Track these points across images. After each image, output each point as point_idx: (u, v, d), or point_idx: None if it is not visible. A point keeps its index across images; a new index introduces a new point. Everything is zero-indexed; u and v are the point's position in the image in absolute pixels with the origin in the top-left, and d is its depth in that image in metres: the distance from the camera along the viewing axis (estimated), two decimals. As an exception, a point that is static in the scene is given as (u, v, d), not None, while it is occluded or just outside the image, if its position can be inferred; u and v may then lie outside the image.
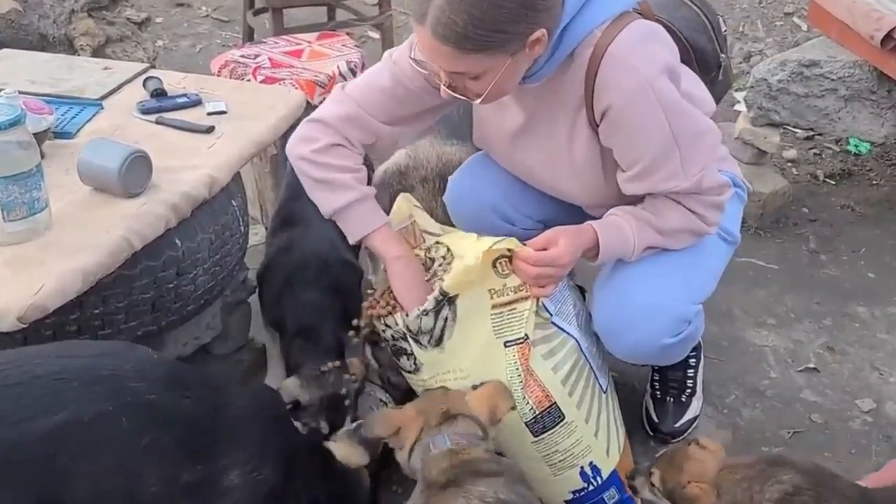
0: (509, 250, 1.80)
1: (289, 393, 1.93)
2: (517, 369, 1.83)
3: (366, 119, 1.90)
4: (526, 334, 1.84)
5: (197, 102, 2.31)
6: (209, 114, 2.26)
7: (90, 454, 1.46)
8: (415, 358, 1.89)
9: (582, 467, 1.94)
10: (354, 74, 3.14)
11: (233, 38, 4.86)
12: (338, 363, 2.05)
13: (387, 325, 1.92)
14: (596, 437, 1.96)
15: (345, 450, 1.74)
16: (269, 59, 3.13)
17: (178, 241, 1.94)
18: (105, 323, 1.89)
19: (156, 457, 1.52)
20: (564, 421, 1.88)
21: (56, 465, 1.42)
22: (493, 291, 1.84)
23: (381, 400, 2.22)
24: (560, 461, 1.92)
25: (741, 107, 3.44)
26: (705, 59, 2.05)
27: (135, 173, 1.91)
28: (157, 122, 2.22)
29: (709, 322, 2.70)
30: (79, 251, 1.73)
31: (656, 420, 2.32)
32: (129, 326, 1.92)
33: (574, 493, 1.97)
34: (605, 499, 2.00)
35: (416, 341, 1.86)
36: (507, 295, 1.83)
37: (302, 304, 2.20)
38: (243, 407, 1.71)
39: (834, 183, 3.65)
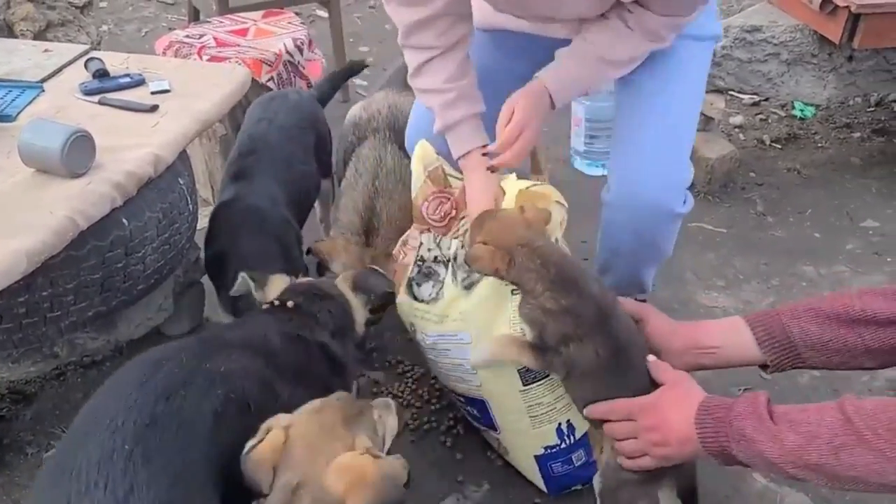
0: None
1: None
2: None
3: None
4: None
5: (140, 82, 2.29)
6: (153, 93, 2.24)
7: (235, 437, 1.44)
8: (441, 287, 1.91)
9: (560, 424, 1.96)
10: (301, 52, 3.14)
11: (179, 20, 4.80)
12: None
13: (437, 245, 1.93)
14: None
15: None
16: (215, 38, 3.11)
17: (125, 220, 1.93)
18: (54, 305, 1.87)
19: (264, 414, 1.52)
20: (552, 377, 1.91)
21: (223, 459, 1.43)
22: None
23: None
24: (541, 414, 1.94)
25: (688, 74, 3.48)
26: None
27: (77, 153, 1.88)
28: (100, 103, 2.20)
29: (661, 285, 2.76)
30: (23, 232, 1.71)
31: None
32: (78, 308, 1.91)
33: (546, 448, 2.00)
34: (573, 459, 2.03)
35: (454, 275, 1.88)
36: None
37: (247, 250, 2.17)
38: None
39: (780, 147, 3.71)
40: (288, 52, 3.07)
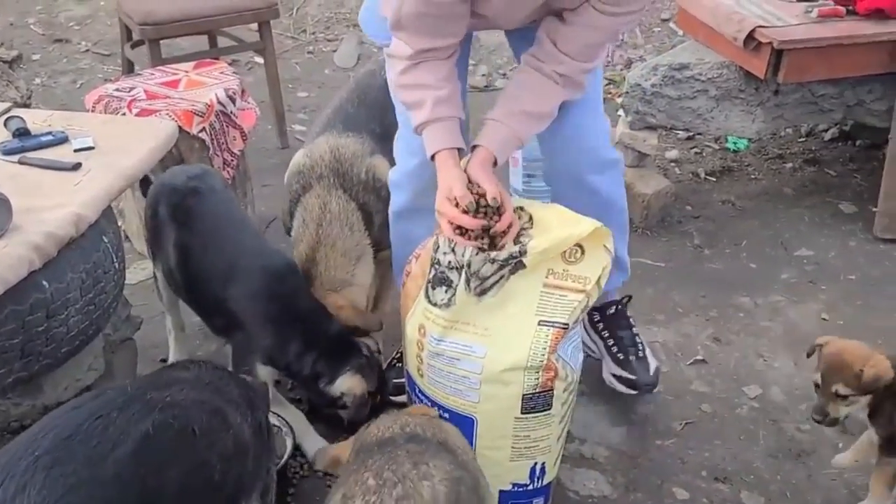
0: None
1: (356, 391, 2.18)
2: (544, 349, 1.86)
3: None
4: (567, 323, 1.88)
5: (63, 140, 2.24)
6: (76, 150, 2.20)
7: (167, 461, 1.54)
8: (453, 294, 1.90)
9: (535, 464, 1.98)
10: (234, 102, 3.12)
11: (115, 71, 4.74)
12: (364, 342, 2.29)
13: (452, 250, 1.92)
14: (557, 442, 2.02)
15: None
16: (145, 90, 3.07)
17: (45, 282, 1.88)
18: (-29, 372, 1.82)
19: (211, 441, 1.63)
20: (549, 412, 1.93)
21: (147, 483, 1.49)
22: (550, 271, 1.89)
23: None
24: (524, 448, 1.96)
25: (622, 111, 3.53)
26: None
27: (-8, 216, 1.84)
28: (21, 163, 2.15)
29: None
30: (-65, 300, 1.67)
31: (634, 377, 2.45)
32: (-3, 374, 1.85)
33: (515, 485, 2.00)
34: (532, 503, 2.04)
35: (467, 281, 1.88)
36: (565, 281, 1.88)
37: (297, 316, 2.24)
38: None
39: (715, 180, 3.77)
40: (220, 102, 3.05)
